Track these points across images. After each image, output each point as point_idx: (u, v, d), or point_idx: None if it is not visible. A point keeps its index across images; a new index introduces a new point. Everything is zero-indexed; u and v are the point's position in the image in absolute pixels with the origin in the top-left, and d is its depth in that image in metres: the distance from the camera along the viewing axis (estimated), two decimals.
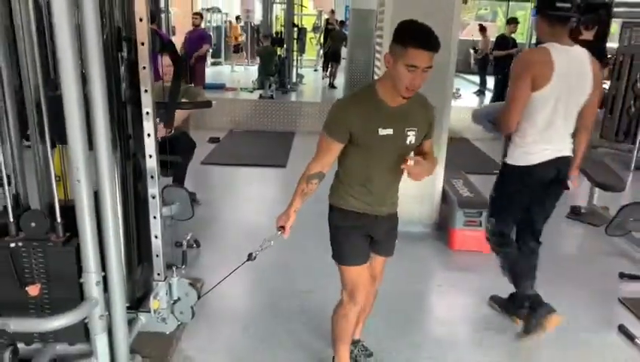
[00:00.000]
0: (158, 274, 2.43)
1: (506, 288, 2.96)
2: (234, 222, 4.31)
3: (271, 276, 3.31)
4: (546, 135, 2.45)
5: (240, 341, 2.68)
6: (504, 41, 8.60)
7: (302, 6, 14.28)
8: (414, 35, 1.78)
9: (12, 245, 2.10)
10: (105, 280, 2.12)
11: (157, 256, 2.42)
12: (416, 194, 3.93)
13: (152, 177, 2.28)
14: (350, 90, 9.75)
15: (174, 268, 2.50)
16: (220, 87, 10.52)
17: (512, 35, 8.81)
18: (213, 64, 15.08)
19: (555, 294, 3.17)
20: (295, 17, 12.27)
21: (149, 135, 2.21)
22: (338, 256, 2.11)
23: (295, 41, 11.84)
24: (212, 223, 4.21)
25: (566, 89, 2.37)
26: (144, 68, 2.13)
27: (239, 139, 7.07)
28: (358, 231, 2.08)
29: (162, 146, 3.73)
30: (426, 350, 2.63)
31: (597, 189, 4.38)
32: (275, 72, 10.13)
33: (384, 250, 2.21)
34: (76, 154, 1.94)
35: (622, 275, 3.42)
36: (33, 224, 2.12)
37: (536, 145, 2.47)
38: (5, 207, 2.19)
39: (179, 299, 2.52)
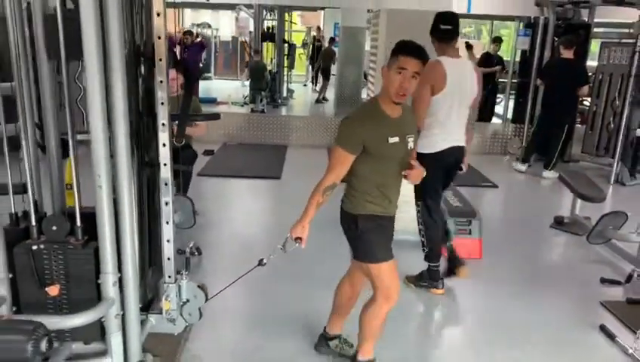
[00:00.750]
0: (169, 277, 2.56)
1: (491, 293, 3.13)
2: (231, 231, 4.44)
3: (275, 280, 3.45)
4: (446, 128, 3.12)
5: (244, 341, 2.80)
6: (489, 59, 8.90)
7: (292, 22, 14.54)
8: (404, 46, 2.13)
9: (34, 247, 2.23)
10: (120, 282, 2.26)
11: (168, 259, 2.55)
12: (408, 204, 4.09)
13: (165, 185, 2.42)
14: (340, 105, 9.98)
15: (183, 272, 2.65)
16: (212, 101, 10.68)
17: (498, 53, 9.12)
18: (204, 78, 15.24)
19: (540, 298, 3.38)
20: (285, 34, 12.51)
21: (164, 145, 2.36)
22: (370, 254, 2.24)
23: (285, 57, 12.07)
24: (210, 232, 4.33)
25: (457, 92, 3.06)
26: (161, 82, 2.28)
27: (233, 152, 7.21)
28: (383, 229, 2.28)
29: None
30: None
31: (579, 200, 4.59)
32: (266, 87, 10.32)
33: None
34: (99, 162, 2.10)
35: (603, 280, 3.61)
36: (54, 228, 2.25)
37: (440, 136, 3.12)
38: (25, 212, 2.33)
39: (187, 300, 2.65)
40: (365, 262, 2.27)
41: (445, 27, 3.04)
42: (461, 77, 3.07)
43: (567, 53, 6.08)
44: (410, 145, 2.26)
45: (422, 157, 2.82)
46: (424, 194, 3.28)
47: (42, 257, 2.24)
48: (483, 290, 3.58)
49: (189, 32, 8.82)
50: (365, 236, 2.24)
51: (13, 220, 2.33)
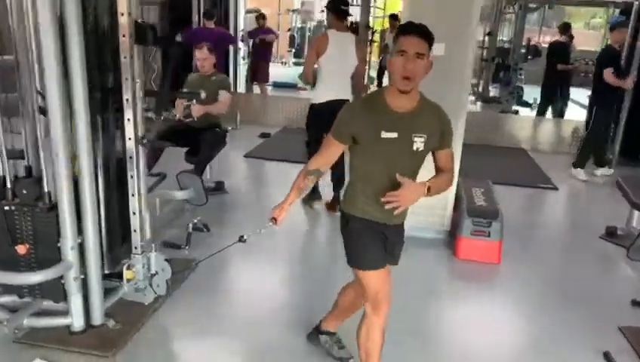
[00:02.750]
0: (136, 248, 2.66)
1: (499, 302, 2.87)
2: (254, 211, 4.49)
3: (266, 260, 3.47)
4: (329, 85, 4.07)
5: (218, 318, 2.82)
6: (563, 50, 7.96)
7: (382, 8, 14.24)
8: (403, 26, 1.93)
9: (6, 208, 2.42)
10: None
11: (134, 231, 2.64)
12: (428, 200, 3.87)
13: (130, 158, 2.50)
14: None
15: (153, 245, 2.73)
16: (292, 87, 10.80)
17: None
18: (295, 64, 15.47)
19: (554, 315, 3.05)
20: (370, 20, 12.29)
21: (128, 120, 2.44)
22: (355, 259, 2.04)
23: (369, 43, 11.85)
24: (233, 211, 4.43)
25: (337, 57, 4.02)
26: (124, 58, 2.35)
27: (289, 136, 7.27)
28: (374, 234, 2.04)
29: (180, 132, 4.05)
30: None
31: (636, 212, 4.05)
32: None
33: (391, 258, 2.14)
34: (56, 132, 2.22)
35: (634, 302, 3.17)
36: (25, 191, 2.42)
37: (325, 90, 4.09)
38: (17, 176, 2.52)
39: (156, 273, 2.74)
40: (352, 267, 2.07)
41: (344, 7, 4.14)
42: (342, 46, 4.06)
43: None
44: (418, 146, 1.93)
45: (310, 107, 4.28)
46: (308, 139, 4.32)
47: (13, 217, 2.43)
48: (489, 298, 3.30)
49: (262, 15, 8.96)
50: (354, 238, 2.05)
51: (0, 183, 2.54)
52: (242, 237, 2.15)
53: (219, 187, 4.66)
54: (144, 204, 2.77)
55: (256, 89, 9.01)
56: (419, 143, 1.95)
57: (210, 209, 4.09)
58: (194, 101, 3.68)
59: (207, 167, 4.51)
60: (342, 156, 2.16)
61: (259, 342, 2.65)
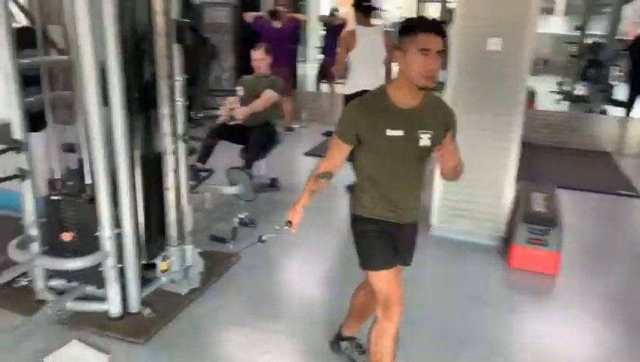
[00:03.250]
0: (172, 241, 2.75)
1: (548, 318, 2.65)
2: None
3: (308, 257, 3.46)
4: (360, 75, 4.34)
5: (249, 316, 2.86)
6: None
7: None
8: (422, 22, 1.82)
9: (53, 198, 2.61)
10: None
11: (170, 223, 2.74)
12: (484, 205, 3.69)
13: (166, 153, 2.60)
14: None
15: (190, 238, 2.82)
16: None
17: None
18: None
19: (625, 333, 2.77)
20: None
21: (164, 116, 2.53)
22: (365, 260, 2.01)
23: None
24: (282, 208, 4.41)
25: (366, 50, 4.39)
26: (161, 57, 2.45)
27: None
28: (382, 234, 2.00)
29: (232, 130, 4.15)
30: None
31: None
32: None
33: (403, 259, 2.09)
34: (93, 127, 2.35)
35: None
36: (70, 183, 2.60)
37: (356, 80, 4.35)
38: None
39: (191, 265, 2.82)
40: (362, 268, 2.03)
41: (367, 4, 4.50)
42: (370, 41, 4.42)
43: None
44: (425, 142, 1.88)
45: (344, 97, 4.60)
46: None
47: (60, 207, 2.61)
48: (537, 311, 3.05)
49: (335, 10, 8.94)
50: (362, 239, 2.02)
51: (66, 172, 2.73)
52: (261, 237, 2.15)
53: (273, 184, 4.72)
54: (185, 198, 2.88)
55: (325, 88, 9.02)
56: (425, 140, 1.88)
57: (261, 205, 4.16)
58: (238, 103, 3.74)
59: (263, 163, 4.59)
60: None
61: (295, 339, 2.65)
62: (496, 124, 3.54)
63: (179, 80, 2.70)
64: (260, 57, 4.36)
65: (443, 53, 1.77)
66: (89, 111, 2.33)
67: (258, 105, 4.10)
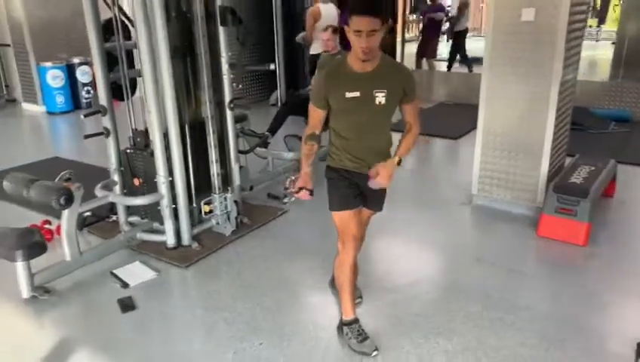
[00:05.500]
0: (215, 190, 3.36)
1: (571, 286, 2.76)
2: None
3: None
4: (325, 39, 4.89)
5: (281, 253, 3.35)
6: None
7: None
8: (355, 5, 2.11)
9: (128, 151, 3.36)
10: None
11: (213, 175, 3.35)
12: (522, 176, 3.76)
13: (207, 117, 3.20)
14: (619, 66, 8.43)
15: (229, 188, 3.41)
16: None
17: None
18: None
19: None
20: None
21: (205, 86, 3.13)
22: (330, 203, 2.36)
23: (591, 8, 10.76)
24: None
25: (326, 18, 5.82)
26: (200, 36, 3.03)
27: (440, 111, 7.32)
28: (345, 182, 2.32)
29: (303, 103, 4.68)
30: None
31: None
32: None
33: (371, 204, 2.43)
34: (149, 93, 3.02)
35: None
36: (139, 139, 3.32)
37: (318, 43, 5.65)
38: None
39: (231, 210, 3.42)
40: (329, 210, 2.37)
41: None
42: (329, 13, 6.11)
43: None
44: (380, 100, 2.16)
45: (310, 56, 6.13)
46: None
47: (132, 158, 3.36)
48: (562, 278, 3.10)
49: None
50: (328, 185, 2.37)
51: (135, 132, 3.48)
52: (283, 200, 2.47)
53: None
54: (232, 156, 3.50)
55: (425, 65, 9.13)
56: (380, 97, 2.16)
57: (317, 170, 4.62)
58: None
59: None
60: None
61: (313, 276, 3.11)
62: (532, 94, 3.58)
63: (223, 56, 3.28)
64: (327, 37, 4.78)
65: (374, 32, 2.01)
66: (145, 81, 3.00)
67: None
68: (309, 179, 2.32)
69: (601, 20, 14.74)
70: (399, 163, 2.23)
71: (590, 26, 14.98)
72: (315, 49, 6.00)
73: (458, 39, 9.25)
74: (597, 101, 6.62)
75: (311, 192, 2.32)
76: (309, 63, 6.42)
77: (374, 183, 2.23)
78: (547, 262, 3.32)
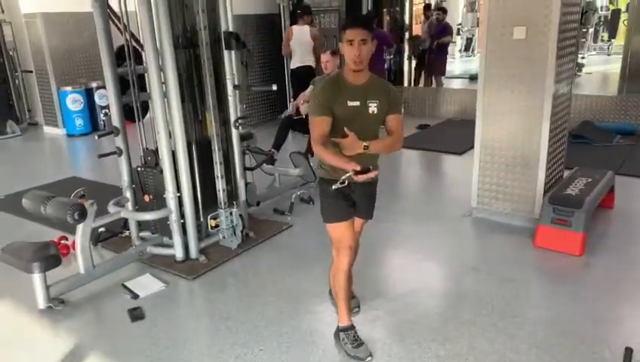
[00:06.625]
0: (221, 205, 3.53)
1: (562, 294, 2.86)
2: None
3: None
4: (296, 56, 6.93)
5: (285, 266, 3.49)
6: None
7: None
8: (346, 19, 2.43)
9: (138, 169, 3.55)
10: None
11: (218, 191, 3.51)
12: (519, 188, 3.85)
13: (213, 136, 3.38)
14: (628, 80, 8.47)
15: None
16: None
17: None
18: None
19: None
20: None
21: (210, 107, 3.32)
22: (324, 216, 2.49)
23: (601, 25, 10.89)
24: None
25: (299, 41, 6.90)
26: (203, 60, 3.23)
27: (447, 128, 7.43)
28: (339, 194, 2.39)
29: (299, 124, 4.87)
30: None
31: None
32: None
33: (363, 212, 2.56)
34: (157, 115, 3.21)
35: None
36: (149, 158, 3.51)
37: (295, 59, 6.97)
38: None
39: (237, 225, 3.57)
40: (324, 222, 2.49)
41: (299, 12, 7.07)
42: (300, 35, 6.90)
43: None
44: (373, 110, 2.36)
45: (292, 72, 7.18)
46: None
47: (143, 176, 3.54)
48: (555, 286, 3.19)
49: (442, 9, 9.13)
50: (321, 198, 2.50)
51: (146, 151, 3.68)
52: (332, 187, 2.28)
53: None
54: (237, 172, 3.67)
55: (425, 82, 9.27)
56: (373, 107, 2.36)
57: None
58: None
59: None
60: None
61: (318, 285, 3.24)
62: (527, 108, 3.69)
63: (228, 78, 3.47)
64: (326, 59, 4.96)
65: (365, 41, 2.24)
66: (154, 103, 3.20)
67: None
68: (356, 163, 2.21)
69: (612, 34, 14.76)
70: (366, 148, 2.25)
71: (602, 40, 15.06)
72: (293, 64, 7.04)
73: None
74: (604, 115, 6.70)
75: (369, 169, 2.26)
76: (289, 77, 7.47)
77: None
78: (542, 271, 3.41)
